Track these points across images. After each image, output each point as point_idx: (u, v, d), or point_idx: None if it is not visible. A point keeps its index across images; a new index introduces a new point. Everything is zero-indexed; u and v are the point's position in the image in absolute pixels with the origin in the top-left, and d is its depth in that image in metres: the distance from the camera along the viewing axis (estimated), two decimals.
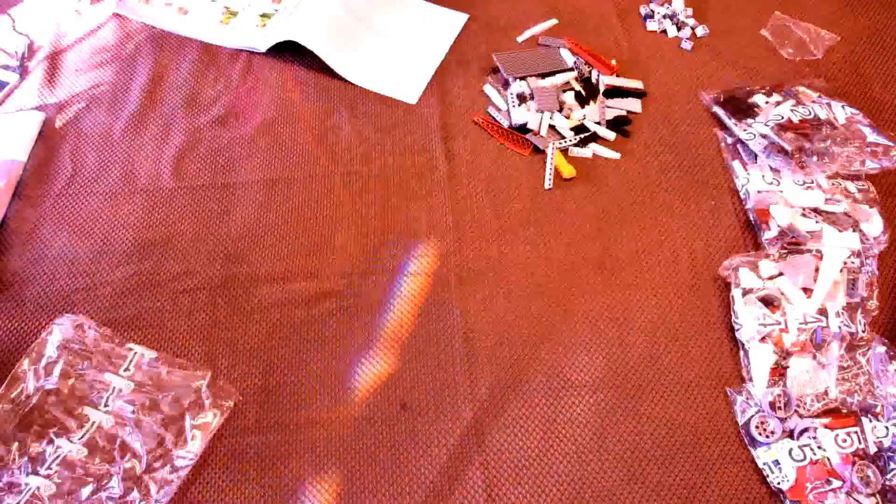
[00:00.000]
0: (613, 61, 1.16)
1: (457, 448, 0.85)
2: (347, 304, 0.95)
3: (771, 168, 1.02)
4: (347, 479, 0.83)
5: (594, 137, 1.09)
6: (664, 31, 1.22)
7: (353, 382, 0.89)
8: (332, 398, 0.88)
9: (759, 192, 1.00)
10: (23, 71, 1.16)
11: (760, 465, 0.83)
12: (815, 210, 0.98)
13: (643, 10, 1.24)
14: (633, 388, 0.89)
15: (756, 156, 1.04)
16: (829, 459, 0.82)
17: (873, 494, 0.80)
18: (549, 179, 1.04)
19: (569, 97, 1.12)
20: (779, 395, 0.85)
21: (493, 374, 0.90)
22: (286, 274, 0.97)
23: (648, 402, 0.88)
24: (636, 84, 1.14)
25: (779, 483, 0.81)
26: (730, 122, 1.07)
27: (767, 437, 0.84)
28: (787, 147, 1.01)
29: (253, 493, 0.82)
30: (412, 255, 0.98)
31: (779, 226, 0.96)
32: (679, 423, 0.86)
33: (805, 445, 0.83)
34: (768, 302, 0.91)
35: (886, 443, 0.83)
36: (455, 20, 1.23)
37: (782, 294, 0.92)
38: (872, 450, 0.83)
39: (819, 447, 0.83)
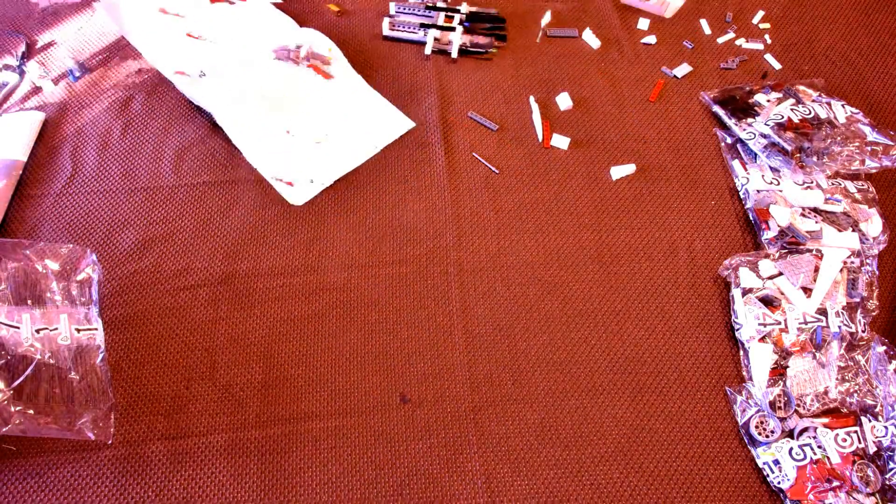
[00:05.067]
0: None
1: (456, 438, 0.85)
2: (347, 297, 0.95)
3: (771, 168, 1.02)
4: (348, 471, 0.83)
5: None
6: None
7: (352, 375, 0.89)
8: (332, 391, 0.88)
9: (758, 191, 1.00)
10: (22, 71, 1.16)
11: (760, 465, 0.83)
12: (815, 210, 0.98)
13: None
14: (632, 381, 0.89)
15: (756, 155, 1.04)
16: (828, 459, 0.82)
17: (873, 494, 0.80)
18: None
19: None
20: (779, 395, 0.85)
21: (491, 364, 0.90)
22: (286, 269, 0.97)
23: (647, 395, 0.88)
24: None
25: (779, 482, 0.81)
26: (730, 122, 1.07)
27: (767, 436, 0.84)
28: (787, 147, 1.01)
29: (254, 486, 0.82)
30: (411, 249, 0.98)
31: (779, 226, 0.96)
32: (678, 419, 0.87)
33: (805, 445, 0.83)
34: (768, 302, 0.91)
35: (886, 442, 0.83)
36: (400, 125, 1.11)
37: (782, 294, 0.92)
38: (872, 449, 0.83)
39: (819, 447, 0.83)
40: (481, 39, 1.17)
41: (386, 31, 1.20)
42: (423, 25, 1.18)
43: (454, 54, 1.17)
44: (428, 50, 1.17)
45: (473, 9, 1.22)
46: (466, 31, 1.18)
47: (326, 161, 1.06)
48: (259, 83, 1.12)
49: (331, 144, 1.08)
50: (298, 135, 1.09)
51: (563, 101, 1.12)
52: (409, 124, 1.11)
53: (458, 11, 1.20)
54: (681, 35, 1.22)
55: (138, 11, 1.22)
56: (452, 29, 1.18)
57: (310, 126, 1.10)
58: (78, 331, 0.87)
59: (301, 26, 1.21)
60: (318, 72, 1.14)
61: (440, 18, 1.20)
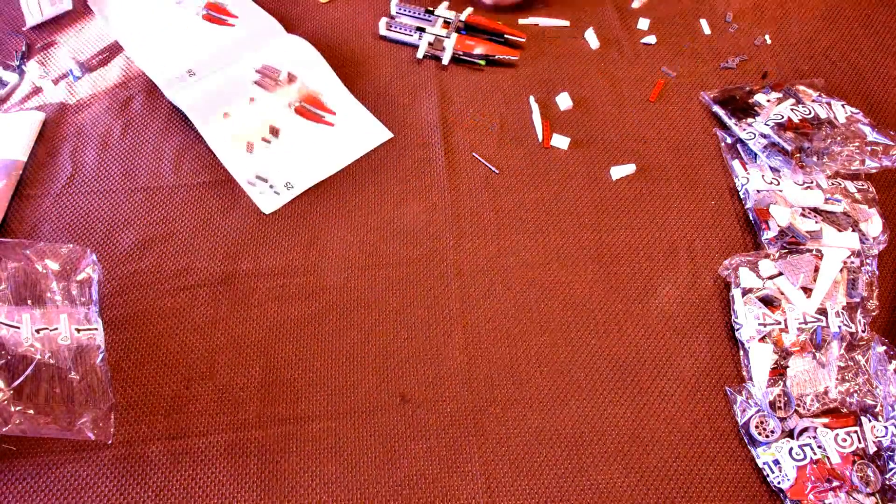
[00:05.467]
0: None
1: (455, 439, 0.85)
2: (346, 298, 0.95)
3: (771, 168, 1.02)
4: (347, 472, 0.83)
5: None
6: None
7: (352, 376, 0.89)
8: (332, 392, 0.88)
9: (758, 191, 1.00)
10: (22, 71, 1.16)
11: (760, 465, 0.83)
12: (815, 210, 0.98)
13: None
14: (631, 381, 0.89)
15: (756, 155, 1.04)
16: (828, 459, 0.82)
17: (873, 494, 0.80)
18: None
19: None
20: (779, 395, 0.85)
21: (491, 365, 0.90)
22: (286, 269, 0.97)
23: (647, 395, 0.88)
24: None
25: (779, 482, 0.81)
26: (730, 122, 1.07)
27: (767, 436, 0.84)
28: (787, 147, 1.01)
29: (253, 486, 0.82)
30: (411, 250, 0.98)
31: (779, 226, 0.96)
32: (678, 420, 0.86)
33: (805, 445, 0.83)
34: (768, 302, 0.91)
35: (886, 442, 0.83)
36: (377, 135, 1.10)
37: (782, 294, 0.92)
38: (872, 449, 0.83)
39: (819, 447, 0.83)
40: (482, 49, 1.16)
41: (382, 31, 1.20)
42: (419, 29, 1.18)
43: (445, 61, 1.16)
44: (420, 54, 1.17)
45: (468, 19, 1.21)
46: (470, 36, 1.18)
47: (299, 170, 1.06)
48: (238, 100, 1.12)
49: (304, 153, 1.08)
50: (273, 142, 1.09)
51: (563, 101, 1.12)
52: (386, 135, 1.10)
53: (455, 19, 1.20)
54: (681, 35, 1.22)
55: (125, 7, 1.22)
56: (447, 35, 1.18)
57: (287, 137, 1.10)
58: (78, 331, 0.87)
59: (288, 25, 1.21)
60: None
61: (438, 24, 1.19)
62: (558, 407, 0.87)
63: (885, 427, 0.83)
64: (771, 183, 1.01)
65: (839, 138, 1.02)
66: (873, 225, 0.97)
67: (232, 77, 1.13)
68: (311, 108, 1.12)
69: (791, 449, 0.82)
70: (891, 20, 1.24)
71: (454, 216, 1.01)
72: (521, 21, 1.24)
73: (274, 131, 1.09)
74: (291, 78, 1.14)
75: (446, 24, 1.20)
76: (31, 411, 0.81)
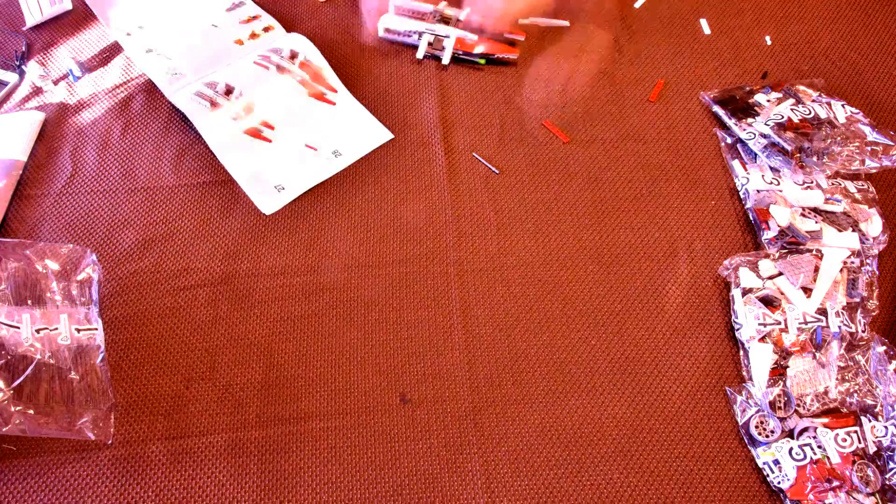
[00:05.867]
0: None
1: (455, 438, 0.85)
2: (347, 297, 0.95)
3: (771, 168, 1.02)
4: (347, 471, 0.83)
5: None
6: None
7: (352, 375, 0.89)
8: (332, 391, 0.88)
9: (758, 191, 1.00)
10: (22, 71, 1.16)
11: (760, 465, 0.83)
12: (815, 210, 0.98)
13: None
14: (631, 380, 0.89)
15: (756, 155, 1.04)
16: (828, 459, 0.82)
17: (873, 494, 0.80)
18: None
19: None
20: (779, 395, 0.85)
21: (491, 364, 0.90)
22: (286, 268, 0.97)
23: (647, 395, 0.88)
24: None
25: (779, 482, 0.81)
26: (730, 122, 1.07)
27: (767, 436, 0.84)
28: (787, 147, 1.01)
29: (254, 486, 0.82)
30: (411, 249, 0.98)
31: (779, 226, 0.96)
32: (678, 419, 0.87)
33: (805, 445, 0.83)
34: (768, 302, 0.91)
35: (886, 442, 0.83)
36: (377, 136, 1.10)
37: (782, 294, 0.92)
38: (872, 449, 0.83)
39: (819, 447, 0.83)
40: (482, 47, 1.16)
41: (381, 33, 1.20)
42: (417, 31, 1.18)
43: (445, 61, 1.16)
44: (420, 54, 1.17)
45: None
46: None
47: (299, 170, 1.06)
48: (240, 90, 1.12)
49: (304, 154, 1.08)
50: (275, 141, 1.09)
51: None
52: (386, 135, 1.10)
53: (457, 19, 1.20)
54: (681, 35, 1.22)
55: (125, 7, 1.23)
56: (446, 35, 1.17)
57: (288, 134, 1.10)
58: (78, 331, 0.87)
59: (288, 24, 1.21)
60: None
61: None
62: (558, 406, 0.87)
63: (885, 427, 0.83)
64: (771, 183, 1.01)
65: (839, 138, 1.02)
66: (873, 225, 0.97)
67: (232, 73, 1.13)
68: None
69: (791, 449, 0.82)
70: (891, 20, 1.24)
71: (454, 216, 1.02)
72: (521, 21, 1.23)
73: (272, 129, 1.09)
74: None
75: (445, 23, 1.20)
76: (31, 411, 0.81)
